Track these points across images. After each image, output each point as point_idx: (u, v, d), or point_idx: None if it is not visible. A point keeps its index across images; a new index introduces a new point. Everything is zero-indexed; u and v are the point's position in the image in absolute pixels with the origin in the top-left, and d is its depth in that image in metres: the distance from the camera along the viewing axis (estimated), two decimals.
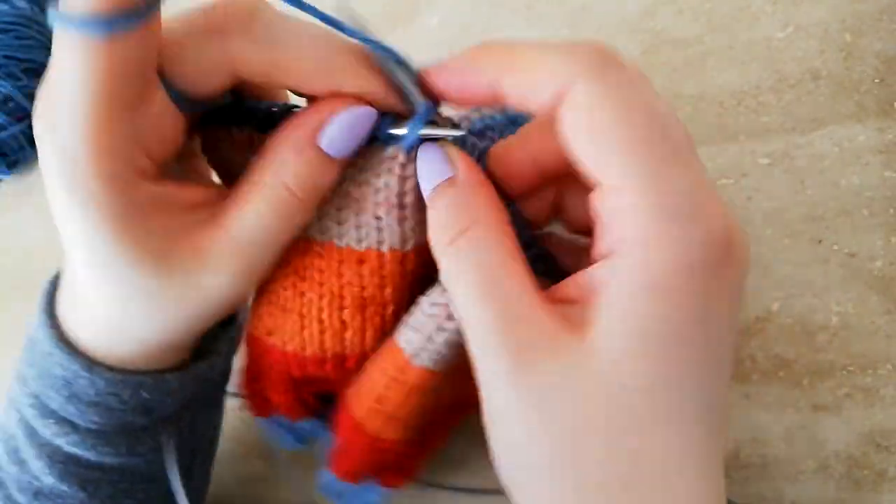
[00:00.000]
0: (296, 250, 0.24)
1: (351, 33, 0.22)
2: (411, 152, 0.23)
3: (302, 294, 0.25)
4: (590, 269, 0.20)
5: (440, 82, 0.22)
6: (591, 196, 0.20)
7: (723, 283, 0.19)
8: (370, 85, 0.22)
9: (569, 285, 0.21)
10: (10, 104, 0.52)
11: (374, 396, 0.25)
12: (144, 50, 0.20)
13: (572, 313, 0.20)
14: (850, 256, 0.33)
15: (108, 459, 0.27)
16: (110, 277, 0.22)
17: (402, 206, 0.23)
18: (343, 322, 0.25)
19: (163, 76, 0.21)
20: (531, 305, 0.20)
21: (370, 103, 0.22)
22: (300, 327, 0.26)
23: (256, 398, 0.29)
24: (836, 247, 0.33)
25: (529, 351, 0.19)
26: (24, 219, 0.58)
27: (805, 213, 0.34)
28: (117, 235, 0.21)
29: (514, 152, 0.24)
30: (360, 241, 0.24)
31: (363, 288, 0.25)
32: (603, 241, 0.19)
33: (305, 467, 0.44)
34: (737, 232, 0.19)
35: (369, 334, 0.26)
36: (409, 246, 0.24)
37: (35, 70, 0.53)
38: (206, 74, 0.22)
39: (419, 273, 0.25)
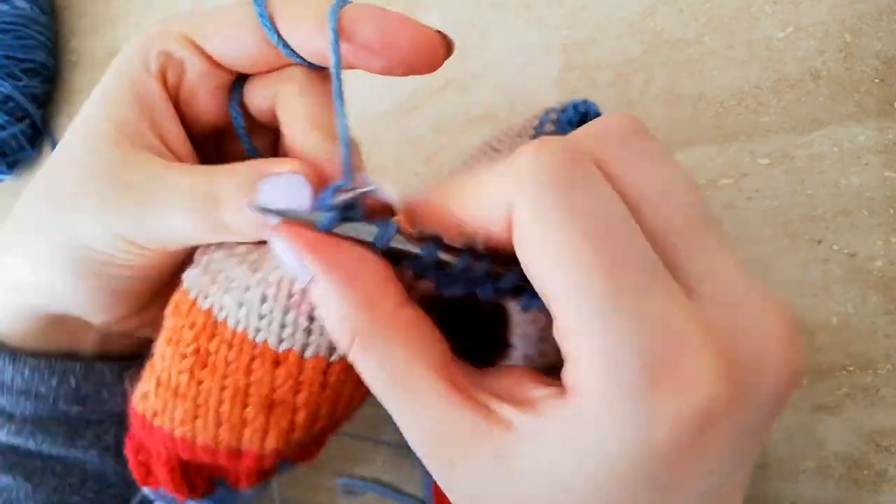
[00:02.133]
0: (201, 331, 0.22)
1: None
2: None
3: (199, 382, 0.22)
4: (543, 389, 0.17)
5: (425, 223, 0.20)
6: (553, 327, 0.17)
7: (715, 440, 0.16)
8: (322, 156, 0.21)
9: (514, 379, 0.19)
10: (10, 104, 0.52)
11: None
12: (270, 65, 0.23)
13: (502, 413, 0.17)
14: (850, 256, 0.33)
15: (48, 449, 0.27)
16: (72, 152, 0.22)
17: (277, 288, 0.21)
18: (244, 419, 0.23)
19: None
20: (442, 406, 0.18)
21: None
22: (193, 416, 0.23)
23: (141, 468, 0.26)
24: (836, 247, 0.33)
25: (447, 449, 0.18)
26: None
27: (805, 213, 0.34)
28: (121, 94, 0.22)
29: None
30: (280, 340, 0.22)
31: (273, 390, 0.22)
32: (565, 373, 0.17)
33: (305, 467, 0.44)
34: (749, 368, 0.16)
35: (272, 435, 0.23)
36: (336, 356, 0.22)
37: (35, 70, 0.53)
38: (262, 98, 0.24)
39: (349, 384, 0.23)
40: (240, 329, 0.22)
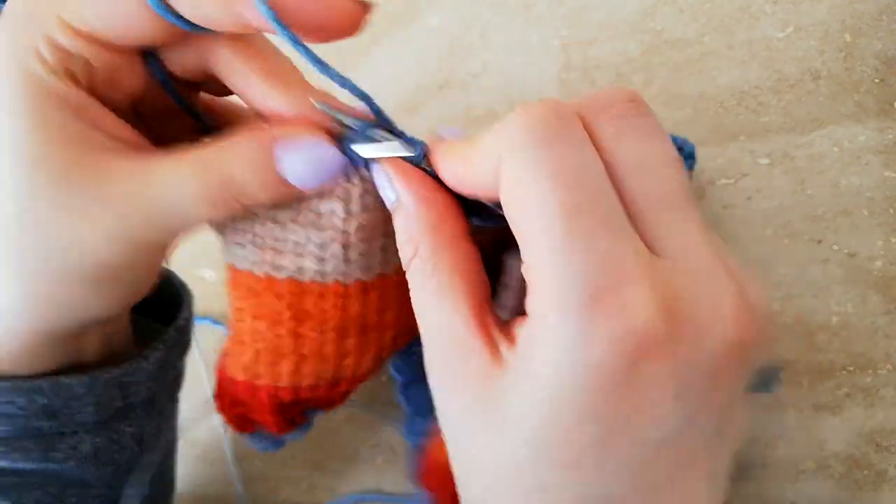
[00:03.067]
0: (290, 298, 0.24)
1: (312, 59, 0.20)
2: (352, 173, 0.23)
3: (300, 336, 0.25)
4: (523, 322, 0.19)
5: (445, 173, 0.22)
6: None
7: (643, 378, 0.17)
8: (314, 110, 0.22)
9: (514, 324, 0.20)
10: None
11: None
12: (160, 37, 0.21)
13: (505, 350, 0.19)
14: (850, 256, 0.33)
15: (24, 465, 0.26)
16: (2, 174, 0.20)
17: (347, 235, 0.23)
18: (345, 351, 0.26)
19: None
20: (462, 330, 0.20)
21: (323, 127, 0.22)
22: (297, 366, 0.26)
23: (238, 419, 0.29)
24: (836, 247, 0.33)
25: (447, 374, 0.20)
26: None
27: (805, 213, 0.34)
28: (29, 107, 0.19)
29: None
30: (368, 269, 0.25)
31: (366, 316, 0.25)
32: (528, 303, 0.19)
33: (305, 467, 0.44)
34: (690, 316, 0.17)
35: (367, 358, 0.26)
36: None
37: None
38: (185, 56, 0.22)
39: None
40: (329, 281, 0.24)
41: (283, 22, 0.19)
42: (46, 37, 0.19)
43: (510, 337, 0.19)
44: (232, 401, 0.28)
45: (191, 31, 0.20)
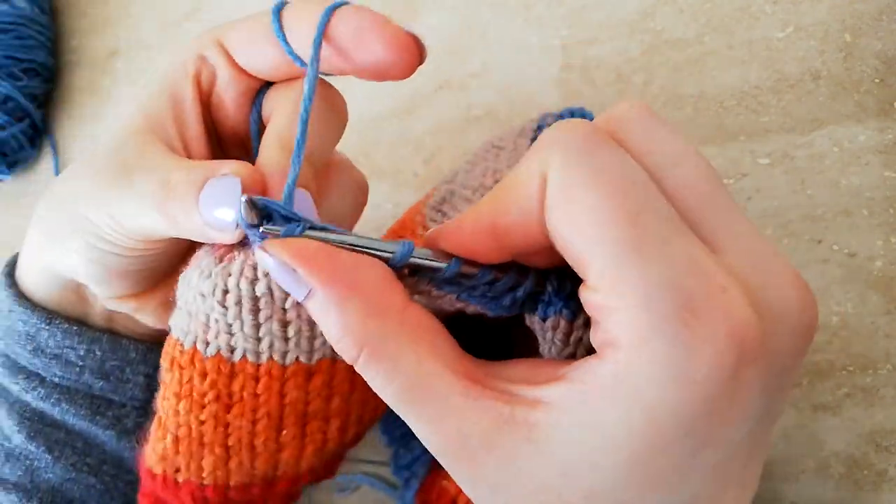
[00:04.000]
0: (216, 377, 0.21)
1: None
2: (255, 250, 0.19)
3: (227, 424, 0.22)
4: (568, 365, 0.18)
5: (452, 247, 0.20)
6: (581, 289, 0.18)
7: (735, 386, 0.16)
8: (272, 169, 0.21)
9: (533, 369, 0.19)
10: (10, 104, 0.52)
11: None
12: (292, 75, 0.24)
13: (526, 394, 0.18)
14: (850, 256, 0.33)
15: (71, 420, 0.28)
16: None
17: (295, 306, 0.20)
18: (280, 445, 0.22)
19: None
20: (462, 402, 0.17)
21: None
22: (225, 460, 0.22)
23: None
24: (836, 247, 0.33)
25: (472, 445, 0.17)
26: (24, 219, 0.58)
27: (805, 213, 0.34)
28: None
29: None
30: (311, 353, 0.21)
31: (308, 404, 0.22)
32: (595, 336, 0.17)
33: None
34: (770, 312, 0.16)
35: (308, 452, 0.23)
36: None
37: (35, 70, 0.53)
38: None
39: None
40: (264, 360, 0.21)
41: (346, 58, 0.21)
42: (199, 54, 0.24)
43: (535, 381, 0.18)
44: (155, 501, 0.24)
45: (300, 65, 0.23)
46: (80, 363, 0.28)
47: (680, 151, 0.18)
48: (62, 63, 0.57)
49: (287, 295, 0.20)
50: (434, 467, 0.29)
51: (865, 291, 0.32)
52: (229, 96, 0.25)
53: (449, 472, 0.18)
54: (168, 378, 0.22)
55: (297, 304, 0.20)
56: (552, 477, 0.17)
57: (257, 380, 0.21)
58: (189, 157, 0.24)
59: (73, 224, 0.24)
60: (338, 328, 0.18)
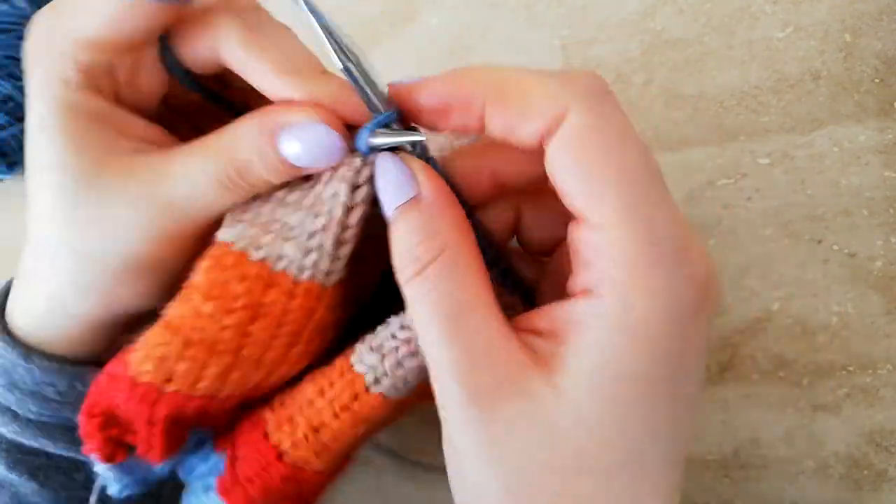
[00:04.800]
0: (254, 284, 0.21)
1: (328, 33, 0.20)
2: (367, 159, 0.21)
3: (247, 335, 0.21)
4: (567, 304, 0.19)
5: (416, 99, 0.21)
6: (573, 228, 0.19)
7: (699, 329, 0.19)
8: (331, 98, 0.21)
9: (541, 317, 0.20)
10: (10, 104, 0.52)
11: (313, 425, 0.22)
12: (158, 21, 0.22)
13: (542, 347, 0.19)
14: (850, 256, 0.33)
15: (52, 450, 0.27)
16: (50, 191, 0.23)
17: (344, 225, 0.21)
18: (286, 359, 0.22)
19: (165, 41, 0.23)
20: (496, 342, 0.19)
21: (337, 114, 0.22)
22: (228, 370, 0.22)
23: (108, 444, 0.24)
24: (836, 247, 0.33)
25: (490, 394, 0.19)
26: (24, 219, 0.57)
27: (805, 213, 0.34)
28: (62, 126, 0.22)
29: (471, 162, 0.23)
30: (341, 272, 0.22)
31: (324, 323, 0.22)
32: (582, 276, 0.19)
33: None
34: (714, 273, 0.19)
35: (297, 368, 0.23)
36: (335, 279, 0.22)
37: None
38: (195, 50, 0.23)
39: (346, 309, 0.23)
40: (303, 277, 0.21)
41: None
42: (67, 60, 0.22)
43: (534, 331, 0.20)
44: (107, 419, 0.23)
45: (177, 3, 0.21)
46: (60, 399, 0.26)
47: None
48: None
49: (351, 207, 0.21)
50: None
51: (865, 291, 0.32)
52: (140, 78, 0.23)
53: (454, 417, 0.19)
54: (199, 279, 0.21)
55: (356, 223, 0.21)
56: (567, 422, 0.18)
57: (292, 297, 0.21)
58: (157, 144, 0.24)
59: (106, 269, 0.23)
60: (430, 230, 0.20)
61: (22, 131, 0.53)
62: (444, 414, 0.20)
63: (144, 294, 0.24)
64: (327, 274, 0.21)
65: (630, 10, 0.38)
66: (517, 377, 0.19)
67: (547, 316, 0.20)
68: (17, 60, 0.52)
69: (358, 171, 0.21)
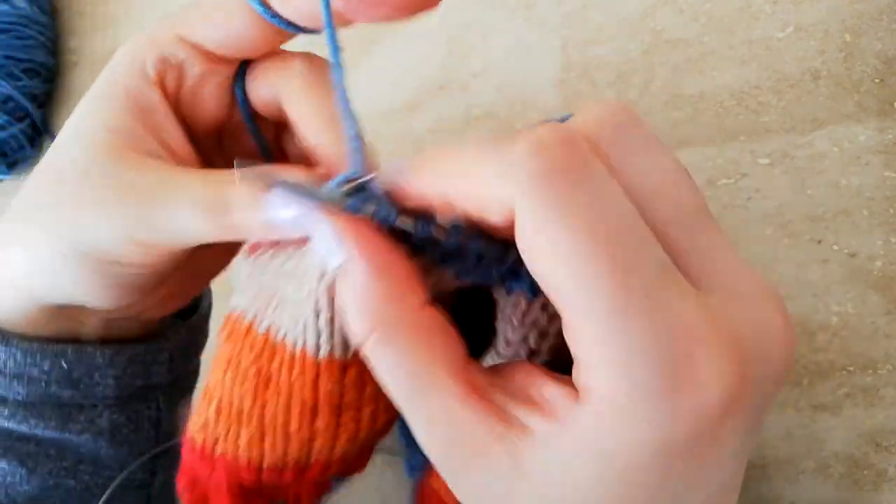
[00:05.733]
0: (260, 354, 0.22)
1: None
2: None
3: (264, 404, 0.22)
4: (556, 388, 0.17)
5: (403, 199, 0.19)
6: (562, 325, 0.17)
7: (714, 444, 0.15)
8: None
9: (528, 386, 0.18)
10: (10, 104, 0.52)
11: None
12: (270, 44, 0.23)
13: (521, 416, 0.17)
14: (850, 256, 0.33)
15: (41, 432, 0.27)
16: (69, 149, 0.23)
17: (318, 295, 0.21)
18: (314, 432, 0.22)
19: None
20: (456, 413, 0.17)
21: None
22: (260, 438, 0.22)
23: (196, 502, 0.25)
24: (836, 247, 0.33)
25: (456, 462, 0.17)
26: None
27: (805, 213, 0.34)
28: (111, 98, 0.23)
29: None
30: (346, 347, 0.21)
31: (342, 396, 0.22)
32: (575, 373, 0.17)
33: None
34: (757, 358, 0.16)
35: (341, 440, 0.23)
36: None
37: (35, 70, 0.53)
38: (261, 89, 0.24)
39: None
40: (298, 347, 0.21)
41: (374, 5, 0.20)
42: (158, 53, 0.23)
43: (529, 399, 0.17)
44: (191, 479, 0.25)
45: (291, 30, 0.22)
46: (46, 378, 0.27)
47: (671, 174, 0.17)
48: (62, 63, 0.57)
49: (322, 276, 0.20)
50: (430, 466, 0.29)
51: (865, 291, 0.32)
52: (205, 90, 0.24)
53: (439, 473, 0.18)
54: (222, 349, 0.23)
55: (329, 290, 0.20)
56: (532, 502, 0.17)
57: (293, 366, 0.21)
58: (176, 160, 0.24)
59: (70, 253, 0.23)
60: (358, 303, 0.18)
61: (22, 131, 0.53)
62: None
63: (106, 295, 0.25)
64: (316, 347, 0.21)
65: (630, 10, 0.38)
66: (481, 449, 0.17)
67: (531, 378, 0.18)
68: (17, 60, 0.52)
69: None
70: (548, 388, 0.17)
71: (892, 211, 0.32)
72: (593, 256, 0.15)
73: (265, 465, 0.23)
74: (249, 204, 0.21)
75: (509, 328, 0.20)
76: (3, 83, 0.51)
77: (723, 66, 0.36)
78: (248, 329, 0.22)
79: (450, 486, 0.18)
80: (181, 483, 0.25)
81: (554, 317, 0.20)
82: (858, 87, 0.33)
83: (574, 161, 0.16)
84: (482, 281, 0.19)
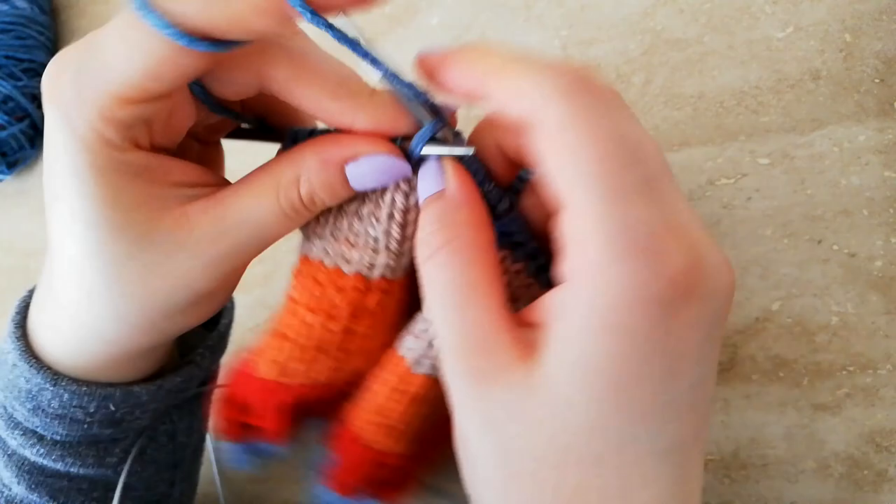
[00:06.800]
0: (352, 293, 0.24)
1: (365, 54, 0.22)
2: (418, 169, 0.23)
3: (352, 333, 0.25)
4: (550, 294, 0.20)
5: (439, 80, 0.22)
6: (557, 215, 0.20)
7: (685, 320, 0.18)
8: (386, 120, 0.23)
9: (533, 308, 0.21)
10: (10, 104, 0.52)
11: (375, 408, 0.25)
12: (203, 65, 0.20)
13: (533, 338, 0.20)
14: (850, 256, 0.33)
15: (76, 470, 0.27)
16: (88, 244, 0.21)
17: (404, 224, 0.23)
18: (385, 343, 0.25)
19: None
20: (493, 330, 0.20)
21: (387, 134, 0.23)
22: (341, 363, 0.26)
23: (236, 426, 0.28)
24: (836, 247, 0.33)
25: (485, 378, 0.20)
26: (24, 219, 0.58)
27: (805, 213, 0.34)
28: (103, 189, 0.21)
29: (482, 136, 0.24)
30: (394, 271, 0.24)
31: (402, 313, 0.25)
32: (563, 263, 0.19)
33: (306, 468, 0.44)
34: (708, 266, 0.18)
35: (376, 357, 0.26)
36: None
37: (35, 70, 0.53)
38: (236, 80, 0.22)
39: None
40: (398, 276, 0.24)
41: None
42: (107, 120, 0.20)
43: (530, 323, 0.20)
44: (241, 405, 0.28)
45: (228, 49, 0.20)
46: (90, 419, 0.26)
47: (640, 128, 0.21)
48: None
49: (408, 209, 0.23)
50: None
51: (865, 291, 0.32)
52: (174, 119, 0.23)
53: (458, 399, 0.21)
54: (300, 295, 0.25)
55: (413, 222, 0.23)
56: (545, 413, 0.19)
57: (390, 294, 0.24)
58: (204, 182, 0.24)
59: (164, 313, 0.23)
60: (444, 220, 0.21)
61: (22, 131, 0.53)
62: (450, 390, 0.21)
63: (194, 323, 0.25)
64: (394, 270, 0.24)
65: (630, 10, 0.38)
66: (507, 367, 0.19)
67: (538, 307, 0.20)
68: (17, 60, 0.52)
69: (409, 181, 0.23)
70: (543, 301, 0.20)
71: (892, 211, 0.32)
72: (606, 156, 0.18)
73: (320, 384, 0.26)
74: (323, 186, 0.22)
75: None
76: (3, 83, 0.51)
77: (723, 66, 0.36)
78: (335, 275, 0.24)
79: (474, 399, 0.20)
80: (229, 405, 0.28)
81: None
82: (858, 87, 0.33)
83: (603, 85, 0.19)
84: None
